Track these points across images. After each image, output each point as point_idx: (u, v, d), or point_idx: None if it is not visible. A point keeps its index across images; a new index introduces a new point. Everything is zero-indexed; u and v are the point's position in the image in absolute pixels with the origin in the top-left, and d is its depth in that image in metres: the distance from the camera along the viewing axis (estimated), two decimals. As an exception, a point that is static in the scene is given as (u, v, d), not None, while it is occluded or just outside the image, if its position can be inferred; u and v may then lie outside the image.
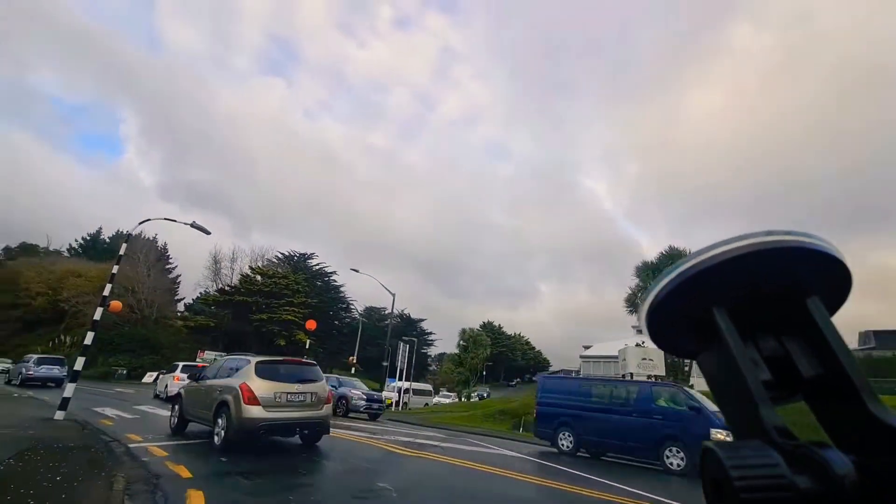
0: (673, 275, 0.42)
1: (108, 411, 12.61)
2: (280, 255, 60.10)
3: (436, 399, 37.79)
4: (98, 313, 10.65)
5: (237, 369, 8.03)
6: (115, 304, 10.59)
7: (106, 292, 10.90)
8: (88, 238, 69.84)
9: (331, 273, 62.07)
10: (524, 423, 20.40)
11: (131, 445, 7.66)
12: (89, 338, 10.51)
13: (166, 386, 18.65)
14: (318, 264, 62.16)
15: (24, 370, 23.32)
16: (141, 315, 49.07)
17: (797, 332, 0.42)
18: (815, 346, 0.41)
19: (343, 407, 17.04)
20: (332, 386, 15.84)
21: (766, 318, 0.43)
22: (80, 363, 10.28)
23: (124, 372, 41.70)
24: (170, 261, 62.65)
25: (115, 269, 11.24)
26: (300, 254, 62.05)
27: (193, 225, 12.58)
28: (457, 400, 42.27)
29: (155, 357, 44.85)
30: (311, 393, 7.98)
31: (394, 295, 27.51)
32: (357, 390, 17.78)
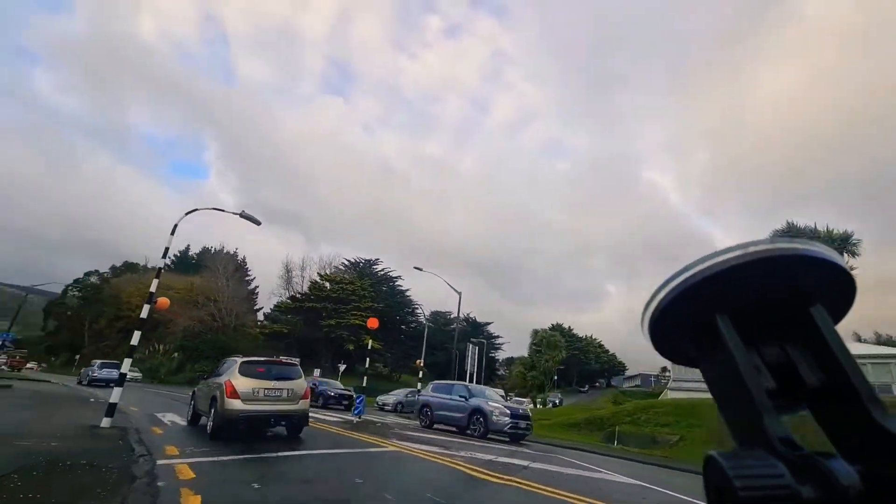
0: (676, 282, 0.41)
1: (168, 417, 11.75)
2: (346, 262, 60.80)
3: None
4: (145, 311, 9.68)
5: (228, 368, 9.01)
6: (163, 301, 9.55)
7: (153, 288, 9.90)
8: (178, 255, 75.12)
9: (395, 278, 61.77)
10: (618, 434, 17.49)
11: (160, 462, 6.28)
12: (136, 338, 9.53)
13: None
14: (382, 269, 62.13)
15: (90, 373, 25.71)
16: (221, 323, 51.32)
17: (801, 340, 0.41)
18: (819, 355, 0.40)
19: (479, 426, 12.86)
20: (462, 396, 13.71)
21: (770, 326, 0.42)
22: (126, 365, 9.30)
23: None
24: (248, 273, 65.88)
25: (161, 264, 10.25)
26: (365, 260, 62.41)
27: (242, 215, 11.45)
28: (531, 406, 39.43)
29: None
30: (288, 389, 8.78)
31: (460, 293, 25.61)
32: (495, 403, 13.50)
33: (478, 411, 12.97)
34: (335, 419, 14.80)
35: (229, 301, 52.39)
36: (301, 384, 9.17)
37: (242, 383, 8.41)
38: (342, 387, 23.35)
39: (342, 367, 38.27)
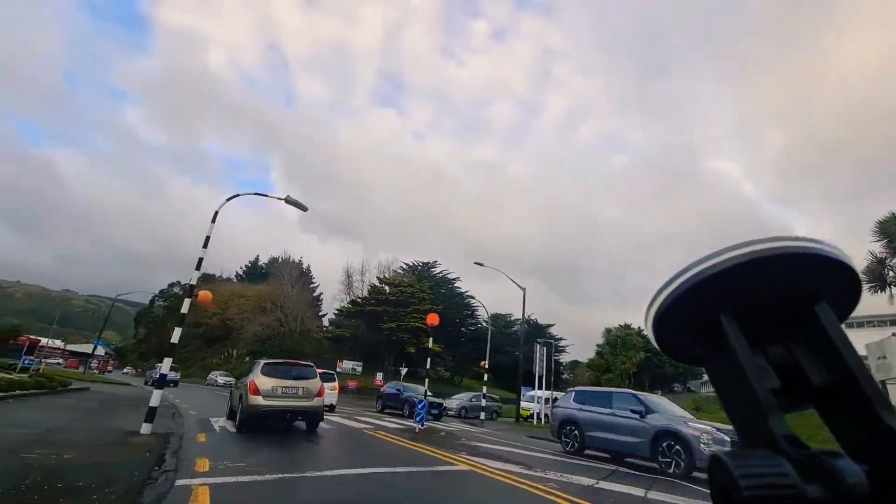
0: (679, 281, 0.40)
1: (222, 422, 10.85)
2: (405, 266, 60.33)
3: (581, 411, 32.20)
4: (185, 305, 8.71)
5: (253, 369, 9.90)
6: (204, 295, 8.56)
7: (193, 281, 8.94)
8: (249, 265, 78.69)
9: (453, 280, 60.36)
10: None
11: (179, 482, 5.02)
12: (176, 335, 8.59)
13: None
14: (440, 272, 61.00)
15: (153, 374, 28.01)
16: (288, 328, 52.52)
17: (806, 339, 0.41)
18: (825, 354, 0.39)
19: (675, 459, 8.55)
20: (633, 411, 9.69)
21: (775, 324, 0.42)
22: (166, 365, 8.35)
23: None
24: (312, 280, 67.55)
25: (202, 254, 9.32)
26: (423, 263, 61.62)
27: (288, 200, 10.35)
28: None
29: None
30: (303, 387, 9.58)
31: (524, 290, 23.53)
32: (697, 424, 8.93)
33: (669, 435, 8.81)
34: (395, 426, 13.36)
35: (295, 306, 53.59)
36: (315, 383, 9.94)
37: (264, 382, 9.30)
38: (430, 393, 20.17)
39: (404, 370, 37.24)
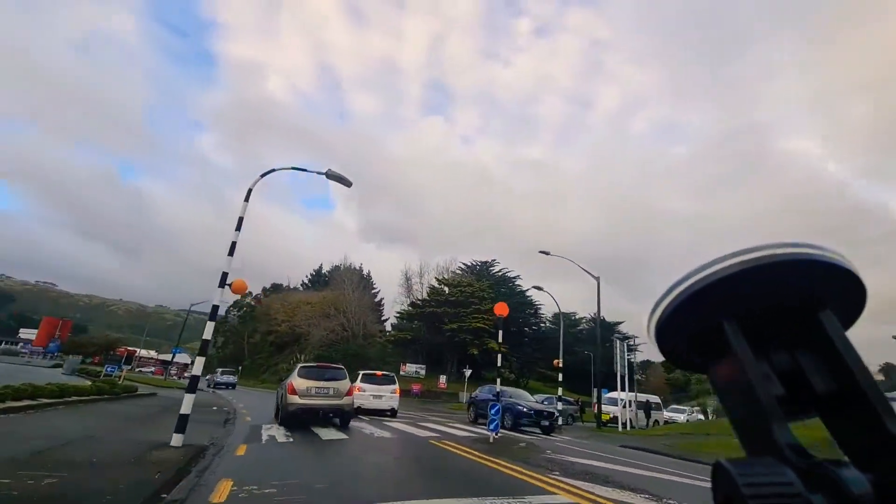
0: (682, 287, 0.39)
1: (272, 431, 9.65)
2: (463, 266, 58.79)
3: (667, 415, 28.70)
4: (218, 296, 7.48)
5: (292, 372, 11.46)
6: (239, 284, 7.25)
7: (226, 268, 7.70)
8: (313, 274, 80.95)
9: (514, 278, 57.86)
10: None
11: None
12: (208, 330, 7.35)
13: (350, 398, 16.08)
14: (500, 270, 58.77)
15: (214, 378, 33.47)
16: (351, 333, 52.71)
17: (810, 346, 0.40)
18: (829, 361, 0.38)
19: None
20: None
21: (779, 331, 0.41)
22: (198, 365, 7.13)
23: (342, 385, 44.02)
24: (373, 286, 67.95)
25: (236, 237, 8.09)
26: (482, 262, 59.74)
27: (329, 174, 8.95)
28: (701, 417, 32.02)
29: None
30: (334, 388, 10.80)
31: (598, 278, 20.89)
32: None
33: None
34: (464, 434, 11.54)
35: (356, 311, 53.76)
36: (345, 384, 10.99)
37: (300, 383, 10.38)
38: (535, 400, 16.47)
39: (468, 373, 35.47)
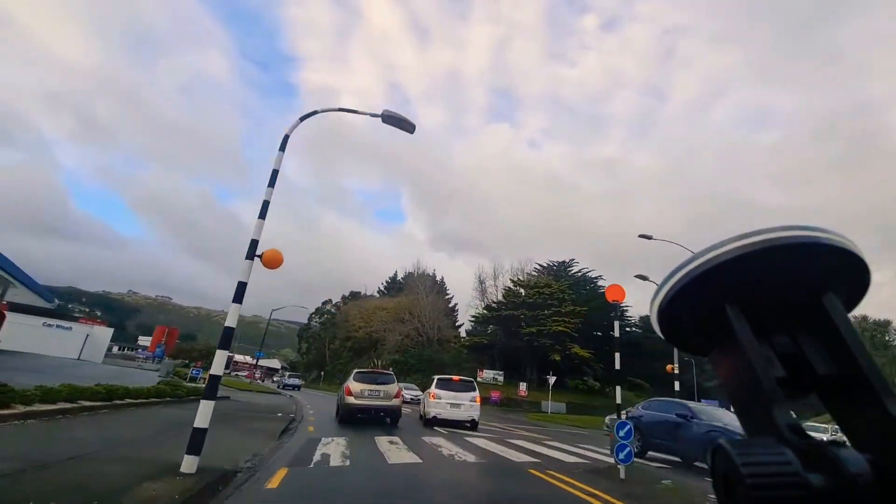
0: (685, 270, 0.39)
1: (329, 449, 7.71)
2: (539, 266, 55.14)
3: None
4: (247, 271, 5.59)
5: (349, 377, 12.44)
6: (272, 255, 5.32)
7: (256, 235, 5.82)
8: (388, 281, 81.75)
9: (595, 279, 53.01)
10: None
11: None
12: (232, 316, 5.44)
13: (423, 405, 13.83)
14: (579, 270, 54.24)
15: (282, 380, 33.79)
16: (426, 337, 51.33)
17: (812, 329, 0.40)
18: (831, 344, 0.38)
19: None
20: None
21: (781, 314, 0.41)
22: (218, 361, 5.22)
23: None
24: (447, 292, 66.61)
25: (268, 194, 6.22)
26: (559, 262, 55.63)
27: (385, 116, 6.86)
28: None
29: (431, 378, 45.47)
30: (384, 390, 11.87)
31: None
32: None
33: None
34: (573, 460, 8.77)
35: (431, 315, 52.36)
36: (393, 388, 12.13)
37: (355, 386, 11.73)
38: (719, 418, 9.40)
39: (552, 380, 32.03)
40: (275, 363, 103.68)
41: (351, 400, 11.53)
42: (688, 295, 0.40)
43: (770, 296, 0.40)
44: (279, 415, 12.51)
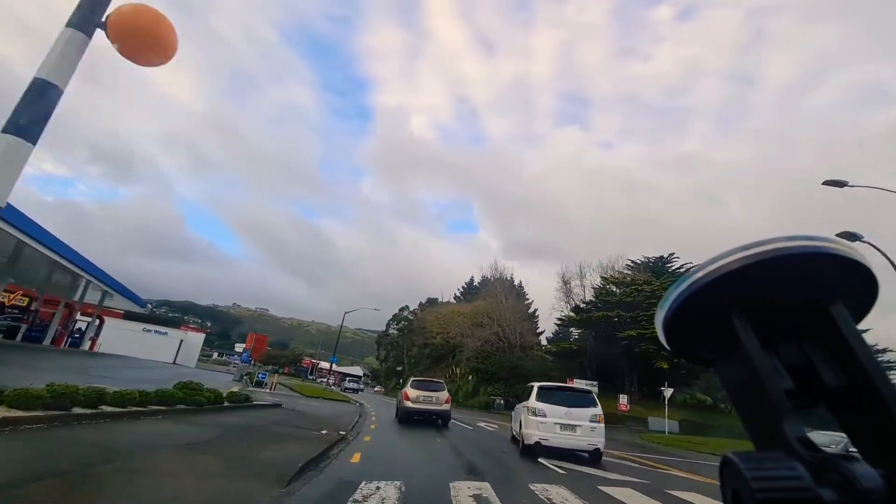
0: (691, 280, 0.38)
1: (380, 494, 4.00)
2: (632, 263, 48.13)
3: None
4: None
5: (405, 385, 15.15)
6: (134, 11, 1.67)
7: None
8: (465, 286, 78.69)
9: (703, 275, 44.85)
10: None
11: None
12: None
13: (520, 425, 9.68)
14: (681, 266, 46.42)
15: (343, 385, 30.15)
16: (507, 343, 46.82)
17: (820, 339, 0.39)
18: (840, 355, 0.37)
19: None
20: None
21: (788, 324, 0.40)
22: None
23: (501, 402, 38.03)
24: (526, 297, 61.75)
25: None
26: (657, 258, 48.22)
27: None
28: None
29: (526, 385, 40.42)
30: (435, 396, 13.87)
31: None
32: None
33: None
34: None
35: (511, 319, 47.82)
36: (443, 394, 14.07)
37: (412, 392, 13.83)
38: None
39: (668, 392, 25.95)
40: (357, 370, 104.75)
41: (408, 404, 13.37)
42: (694, 304, 0.39)
43: (777, 306, 0.39)
44: (324, 432, 9.17)
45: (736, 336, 0.38)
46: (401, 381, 65.47)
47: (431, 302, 79.16)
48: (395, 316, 74.10)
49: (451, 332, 56.05)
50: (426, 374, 61.36)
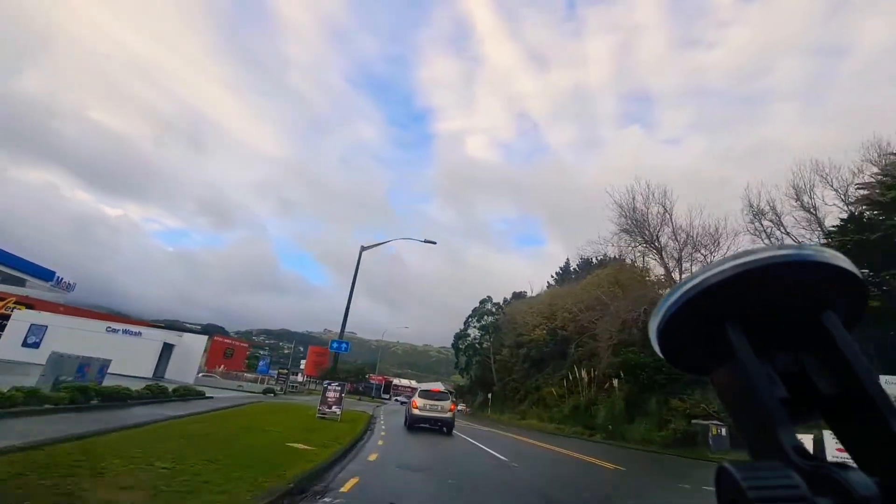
0: (684, 289, 0.37)
1: None
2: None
3: None
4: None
5: (414, 392, 17.98)
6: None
7: None
8: (560, 270, 59.01)
9: None
10: None
11: None
12: None
13: None
14: None
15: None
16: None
17: (814, 348, 0.38)
18: (833, 363, 0.36)
19: None
20: None
21: (782, 333, 0.39)
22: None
23: (721, 432, 16.84)
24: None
25: None
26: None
27: None
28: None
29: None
30: (441, 405, 14.72)
31: None
32: None
33: None
34: None
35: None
36: (447, 404, 14.88)
37: (419, 402, 14.74)
38: None
39: None
40: (438, 385, 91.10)
41: (416, 412, 14.53)
42: (688, 313, 0.37)
43: (770, 314, 0.37)
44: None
45: (730, 344, 0.37)
46: (489, 396, 45.87)
47: (518, 297, 59.53)
48: (474, 311, 55.11)
49: (559, 320, 35.96)
50: (525, 384, 41.16)
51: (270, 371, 45.94)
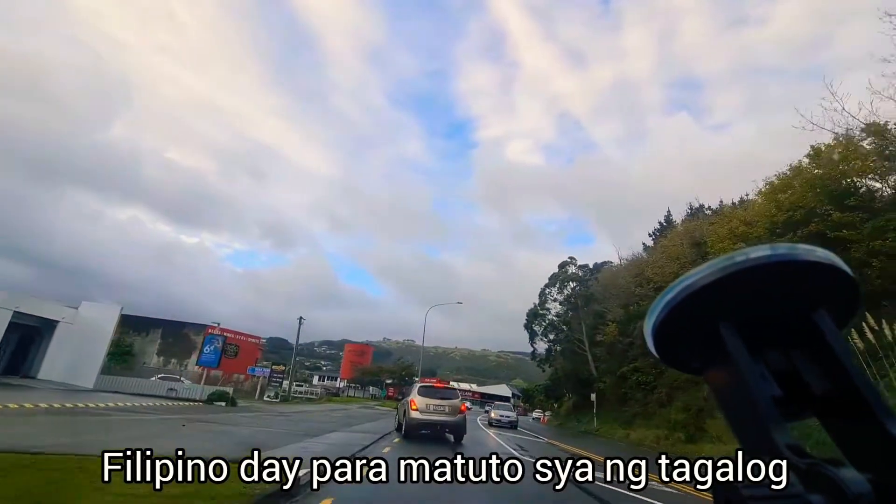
0: (677, 290, 0.37)
1: None
2: None
3: None
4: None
5: (412, 390, 11.51)
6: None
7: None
8: (661, 225, 41.63)
9: None
10: None
11: None
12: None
13: None
14: None
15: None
16: None
17: (806, 347, 0.37)
18: (825, 361, 0.36)
19: None
20: None
21: (774, 332, 0.38)
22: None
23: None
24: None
25: None
26: None
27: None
28: None
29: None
30: (448, 405, 10.83)
31: None
32: None
33: None
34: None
35: None
36: (457, 403, 11.06)
37: (420, 401, 10.68)
38: None
39: None
40: (504, 390, 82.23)
41: (416, 415, 10.61)
42: (682, 313, 0.37)
43: (763, 314, 0.37)
44: None
45: (723, 344, 0.36)
46: (593, 396, 29.56)
47: (599, 267, 42.67)
48: (552, 278, 38.61)
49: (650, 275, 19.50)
50: (647, 378, 23.96)
51: (267, 370, 32.37)
